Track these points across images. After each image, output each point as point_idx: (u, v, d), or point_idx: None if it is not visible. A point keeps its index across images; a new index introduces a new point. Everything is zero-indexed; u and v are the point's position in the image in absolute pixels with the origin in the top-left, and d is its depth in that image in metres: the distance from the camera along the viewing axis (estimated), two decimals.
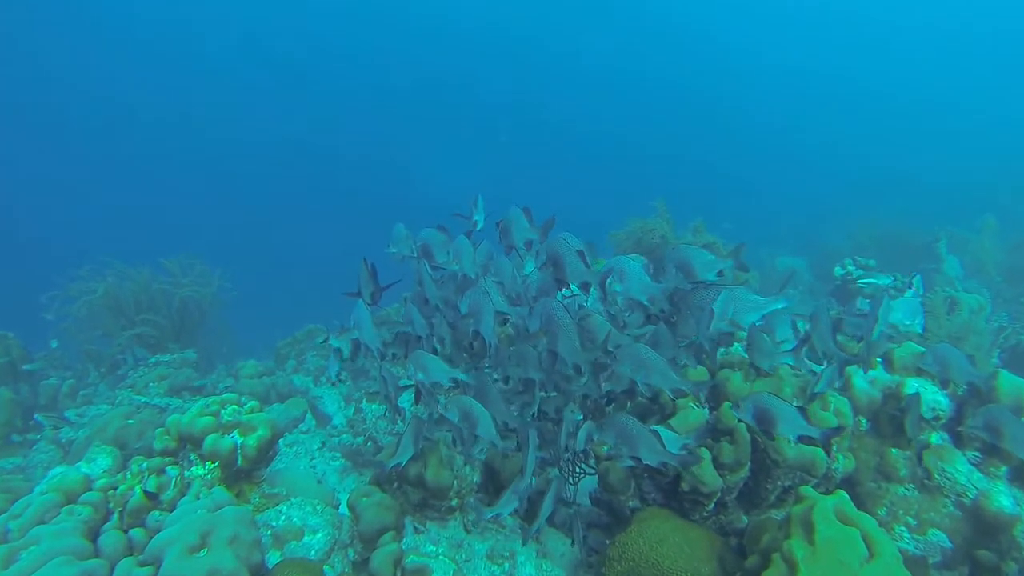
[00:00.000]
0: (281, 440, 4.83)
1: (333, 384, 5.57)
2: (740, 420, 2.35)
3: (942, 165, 11.81)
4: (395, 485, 2.88)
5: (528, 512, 3.26)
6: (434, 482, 2.72)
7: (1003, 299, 5.69)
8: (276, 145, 29.01)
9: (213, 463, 2.43)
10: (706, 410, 2.63)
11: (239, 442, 2.56)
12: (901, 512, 2.58)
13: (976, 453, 2.61)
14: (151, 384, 4.59)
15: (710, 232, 5.55)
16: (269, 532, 2.41)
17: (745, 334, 2.76)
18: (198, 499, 2.15)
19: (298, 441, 4.77)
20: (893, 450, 2.67)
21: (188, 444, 2.51)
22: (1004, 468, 2.55)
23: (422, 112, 31.55)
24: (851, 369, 2.94)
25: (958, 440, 2.63)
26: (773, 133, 26.62)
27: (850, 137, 22.78)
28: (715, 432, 2.50)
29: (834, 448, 2.38)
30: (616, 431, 2.20)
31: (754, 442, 2.40)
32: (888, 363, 2.79)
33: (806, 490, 2.10)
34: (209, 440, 2.47)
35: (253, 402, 2.78)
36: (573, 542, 2.94)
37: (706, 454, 2.41)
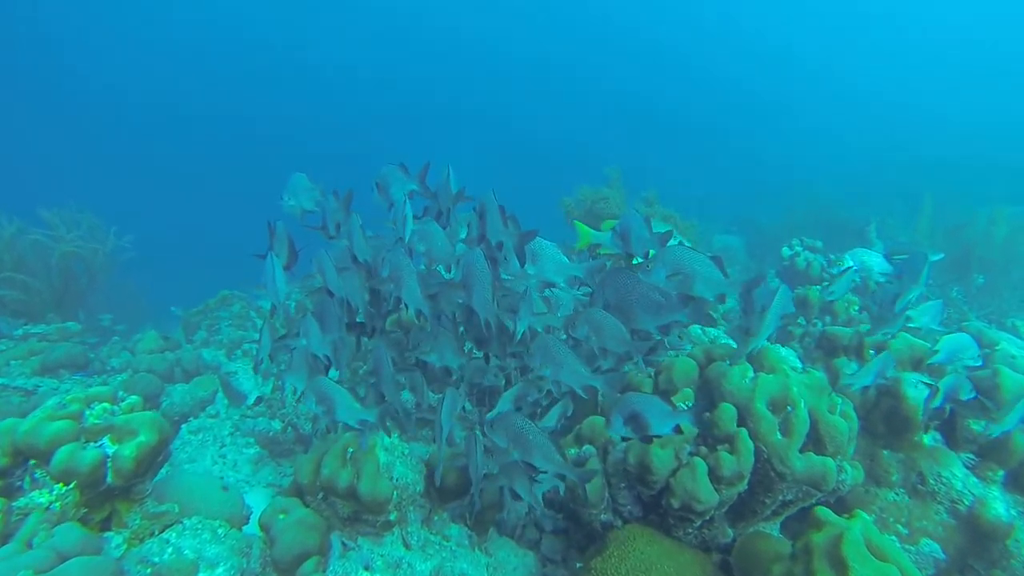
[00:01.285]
0: (185, 426, 4.09)
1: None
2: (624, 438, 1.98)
3: (875, 155, 12.09)
4: (320, 496, 2.30)
5: (477, 520, 2.79)
6: (370, 495, 2.16)
7: (931, 286, 5.69)
8: (195, 107, 26.58)
9: (67, 485, 1.75)
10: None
11: (110, 452, 1.88)
12: (891, 519, 2.28)
13: (971, 456, 2.34)
14: (13, 362, 3.69)
15: (665, 205, 5.16)
16: (149, 571, 1.78)
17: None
18: (28, 548, 1.49)
19: (205, 427, 4.04)
20: (885, 452, 2.36)
21: (31, 460, 1.82)
22: (1001, 472, 2.30)
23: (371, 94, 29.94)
24: (840, 362, 2.61)
25: (952, 441, 2.35)
26: (715, 115, 26.76)
27: (788, 124, 23.21)
28: (710, 439, 2.08)
29: (839, 459, 2.02)
30: (509, 433, 1.84)
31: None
32: None
33: (824, 513, 1.72)
34: (62, 454, 1.76)
35: (134, 397, 2.07)
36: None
37: (702, 466, 1.99)
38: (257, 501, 3.53)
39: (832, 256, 5.28)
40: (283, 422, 3.91)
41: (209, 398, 4.44)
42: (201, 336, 5.60)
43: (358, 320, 2.40)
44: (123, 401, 2.03)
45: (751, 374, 2.17)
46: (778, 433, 1.98)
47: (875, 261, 3.54)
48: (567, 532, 2.80)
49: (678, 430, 1.82)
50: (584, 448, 2.39)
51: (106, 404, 1.94)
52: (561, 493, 2.48)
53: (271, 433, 3.79)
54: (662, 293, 1.83)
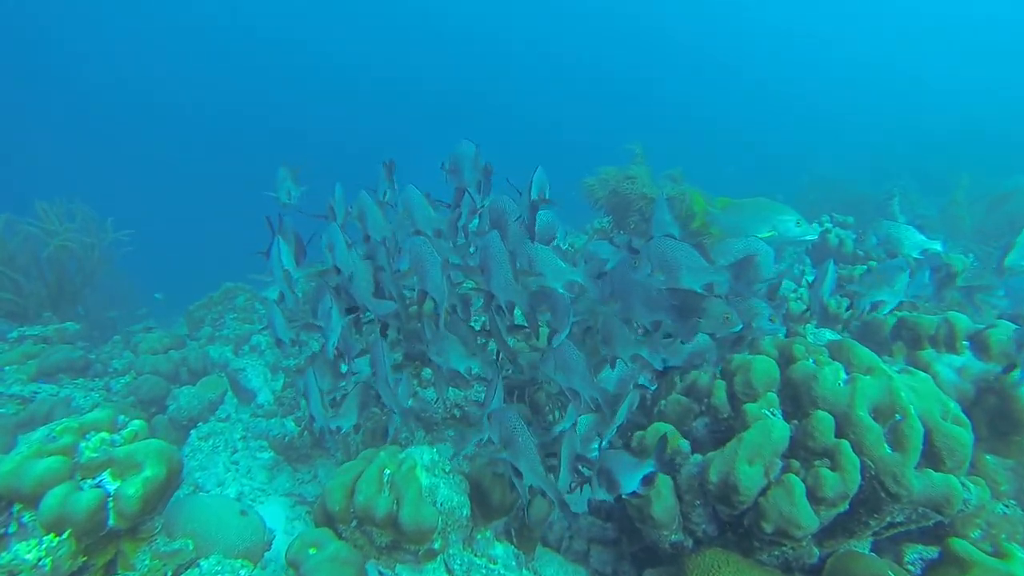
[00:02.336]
0: (194, 431, 3.78)
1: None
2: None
3: (879, 134, 11.65)
4: (354, 524, 2.00)
5: (520, 530, 2.51)
6: (413, 523, 1.86)
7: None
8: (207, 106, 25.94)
9: (59, 535, 1.44)
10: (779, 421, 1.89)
11: (111, 491, 1.57)
12: (1003, 536, 1.99)
13: None
14: (8, 367, 3.35)
15: (690, 182, 4.81)
16: None
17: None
18: None
19: (215, 432, 3.73)
20: (989, 457, 2.07)
21: (15, 504, 1.50)
22: None
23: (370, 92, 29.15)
24: (927, 354, 2.30)
25: None
26: (717, 97, 25.97)
27: (791, 105, 22.52)
28: (802, 453, 1.78)
29: (959, 475, 1.72)
30: (502, 431, 1.69)
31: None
32: (981, 348, 2.16)
33: (965, 549, 1.42)
34: (53, 498, 1.44)
35: (137, 422, 1.75)
36: None
37: (799, 485, 1.69)
38: (275, 513, 3.24)
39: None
40: (299, 425, 3.60)
41: (218, 399, 4.12)
42: (206, 332, 5.27)
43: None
44: (124, 428, 1.70)
45: (844, 375, 1.87)
46: (886, 446, 1.68)
47: (907, 235, 3.13)
48: (617, 543, 2.52)
49: (647, 481, 1.68)
50: (648, 460, 2.08)
51: (104, 433, 1.61)
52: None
53: (286, 438, 3.48)
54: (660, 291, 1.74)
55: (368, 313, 2.22)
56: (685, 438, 2.11)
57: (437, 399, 2.97)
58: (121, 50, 26.40)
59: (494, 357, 2.42)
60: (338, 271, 2.15)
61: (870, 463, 1.67)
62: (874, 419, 1.72)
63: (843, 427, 1.73)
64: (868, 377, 1.79)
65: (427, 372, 3.28)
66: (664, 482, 1.98)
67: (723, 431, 2.08)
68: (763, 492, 1.75)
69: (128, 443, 1.68)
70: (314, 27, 29.52)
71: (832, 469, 1.67)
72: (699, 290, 1.66)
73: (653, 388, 2.31)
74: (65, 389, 3.56)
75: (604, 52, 29.38)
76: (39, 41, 25.01)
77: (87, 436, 1.60)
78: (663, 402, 2.28)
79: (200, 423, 3.79)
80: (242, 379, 4.64)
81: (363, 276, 2.07)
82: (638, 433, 2.21)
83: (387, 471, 1.96)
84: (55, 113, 24.21)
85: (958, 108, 13.26)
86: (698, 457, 1.98)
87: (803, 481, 1.70)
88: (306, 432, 3.51)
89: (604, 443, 2.19)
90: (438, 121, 27.01)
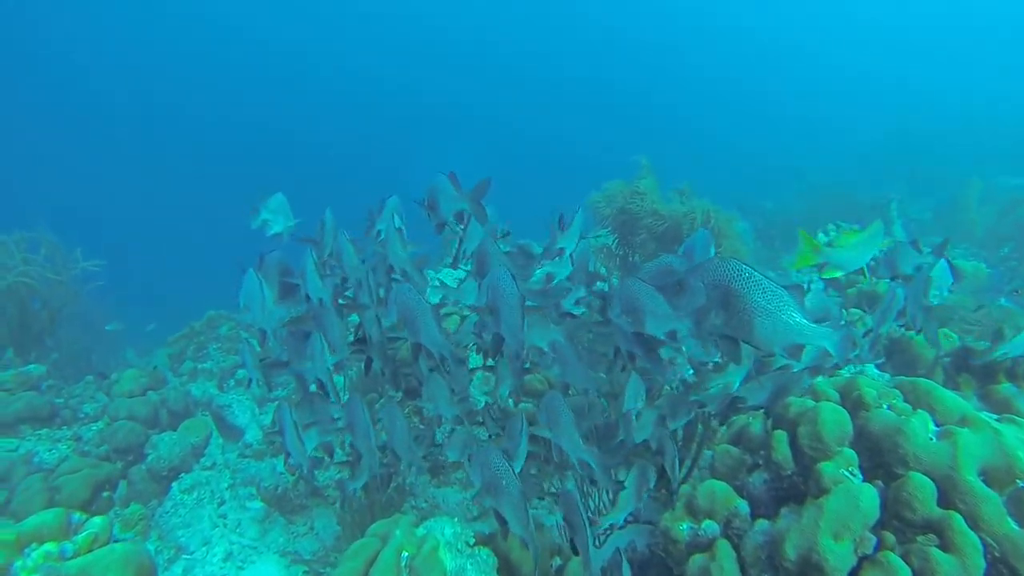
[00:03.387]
0: (176, 484, 3.38)
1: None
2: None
3: (867, 136, 11.55)
4: None
5: None
6: None
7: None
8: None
9: None
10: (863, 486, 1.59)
11: None
12: None
13: None
14: None
15: (699, 196, 4.54)
16: None
17: None
18: None
19: (200, 482, 3.34)
20: None
21: None
22: None
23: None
24: (1007, 389, 2.03)
25: None
26: (704, 104, 25.93)
27: (776, 110, 22.55)
28: (901, 523, 1.48)
29: None
30: (484, 474, 1.53)
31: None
32: None
33: None
34: None
35: (97, 520, 1.39)
36: None
37: (904, 569, 1.39)
38: (268, 575, 2.87)
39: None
40: (293, 473, 3.23)
41: (202, 443, 3.73)
42: (188, 366, 4.86)
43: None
44: (80, 530, 1.34)
45: (933, 427, 1.58)
46: (1010, 520, 1.39)
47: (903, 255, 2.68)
48: None
49: None
50: (703, 525, 1.77)
51: (50, 545, 1.26)
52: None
53: (278, 488, 3.11)
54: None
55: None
56: (739, 495, 1.80)
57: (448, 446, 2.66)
58: (112, 58, 25.68)
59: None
60: (308, 299, 2.06)
61: (992, 542, 1.37)
62: (987, 485, 1.43)
63: (947, 494, 1.43)
64: (968, 431, 1.50)
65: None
66: (726, 554, 1.67)
67: (785, 488, 1.78)
68: (854, 573, 1.45)
69: (85, 550, 1.32)
70: (322, 44, 29.06)
71: (944, 549, 1.37)
72: (662, 337, 1.56)
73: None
74: (27, 442, 3.15)
75: (605, 65, 29.43)
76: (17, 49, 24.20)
77: (26, 551, 1.24)
78: (710, 453, 1.97)
79: (183, 473, 3.40)
80: (228, 416, 4.26)
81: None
82: (684, 488, 1.90)
83: (405, 553, 1.62)
84: (41, 122, 23.40)
85: (940, 110, 13.29)
86: (764, 524, 1.67)
87: (904, 560, 1.40)
88: (302, 481, 3.15)
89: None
90: (442, 132, 26.78)
